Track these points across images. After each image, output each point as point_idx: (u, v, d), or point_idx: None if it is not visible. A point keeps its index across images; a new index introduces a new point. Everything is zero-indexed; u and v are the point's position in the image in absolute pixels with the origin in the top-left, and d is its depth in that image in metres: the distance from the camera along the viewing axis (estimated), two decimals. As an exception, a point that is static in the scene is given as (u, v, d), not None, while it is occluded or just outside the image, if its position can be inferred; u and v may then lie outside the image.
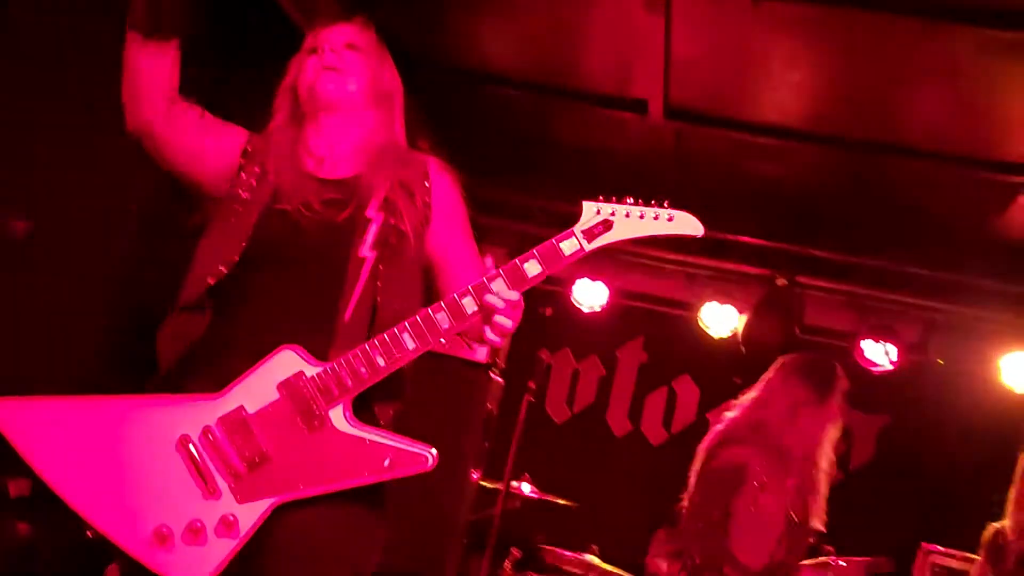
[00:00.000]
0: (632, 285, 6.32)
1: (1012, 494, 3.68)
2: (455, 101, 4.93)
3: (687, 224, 2.01)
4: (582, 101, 4.63)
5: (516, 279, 1.94)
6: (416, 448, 1.90)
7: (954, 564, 4.76)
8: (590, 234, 1.97)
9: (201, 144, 2.07)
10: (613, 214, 1.98)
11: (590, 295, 6.16)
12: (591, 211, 1.99)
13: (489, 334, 1.93)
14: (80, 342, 3.16)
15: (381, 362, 1.90)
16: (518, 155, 5.50)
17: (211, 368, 1.94)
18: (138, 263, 3.37)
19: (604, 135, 4.66)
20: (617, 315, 6.24)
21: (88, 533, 1.90)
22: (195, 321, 1.99)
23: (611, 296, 6.13)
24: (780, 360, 3.79)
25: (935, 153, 4.38)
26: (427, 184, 2.12)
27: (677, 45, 3.90)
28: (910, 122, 4.21)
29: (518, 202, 5.69)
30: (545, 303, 6.30)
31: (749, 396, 3.74)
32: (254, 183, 2.04)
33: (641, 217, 1.99)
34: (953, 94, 3.86)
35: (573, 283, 6.15)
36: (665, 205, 2.01)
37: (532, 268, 1.95)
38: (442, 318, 1.91)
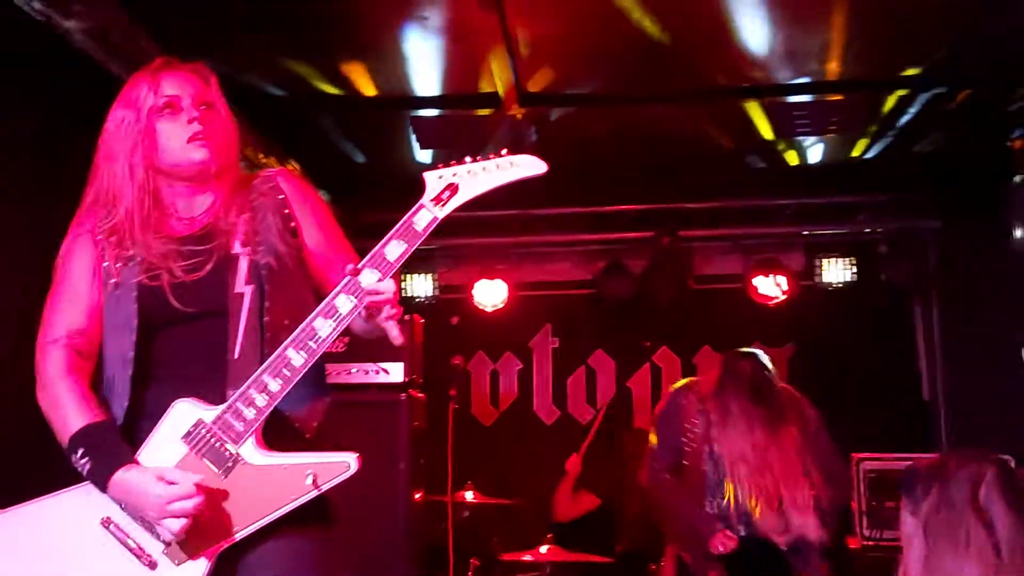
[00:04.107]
0: (528, 275, 6.42)
1: None
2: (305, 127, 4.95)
3: (529, 164, 2.01)
4: (437, 107, 4.70)
5: (382, 266, 1.92)
6: (335, 457, 1.89)
7: (885, 466, 4.98)
8: (439, 200, 1.97)
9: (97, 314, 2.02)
10: (456, 175, 1.99)
11: (491, 294, 6.22)
12: (434, 179, 1.99)
13: (382, 323, 1.90)
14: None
15: (274, 385, 1.88)
16: (386, 172, 5.52)
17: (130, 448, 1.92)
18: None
19: (463, 136, 4.72)
20: (521, 308, 6.31)
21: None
22: None
23: (510, 291, 6.20)
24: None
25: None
26: (280, 197, 2.10)
27: (516, 34, 4.01)
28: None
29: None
30: (451, 312, 6.35)
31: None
32: (119, 266, 1.99)
33: (484, 170, 2.00)
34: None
35: (472, 287, 6.20)
36: (504, 153, 2.02)
37: (394, 250, 1.93)
38: (320, 324, 1.90)
